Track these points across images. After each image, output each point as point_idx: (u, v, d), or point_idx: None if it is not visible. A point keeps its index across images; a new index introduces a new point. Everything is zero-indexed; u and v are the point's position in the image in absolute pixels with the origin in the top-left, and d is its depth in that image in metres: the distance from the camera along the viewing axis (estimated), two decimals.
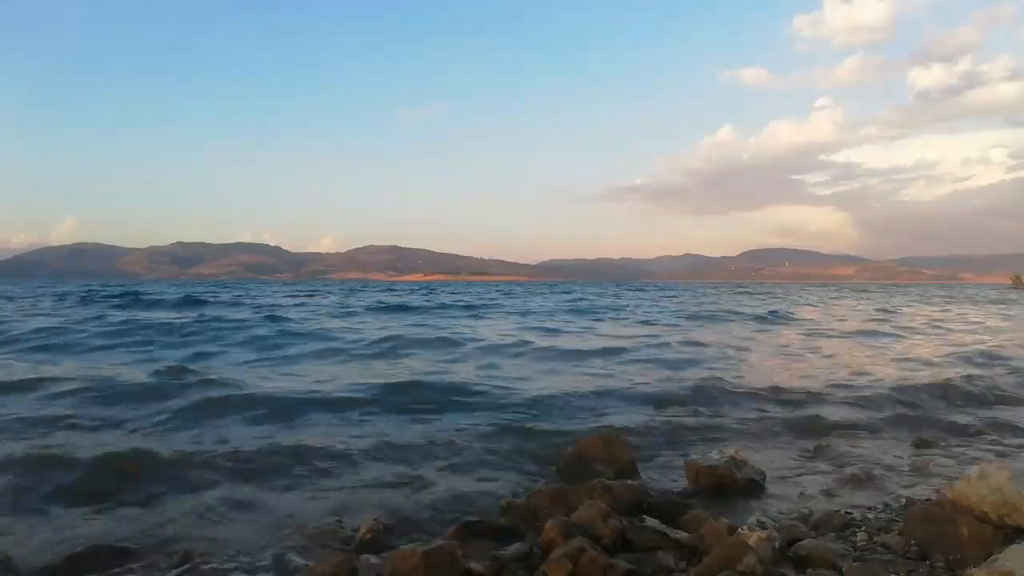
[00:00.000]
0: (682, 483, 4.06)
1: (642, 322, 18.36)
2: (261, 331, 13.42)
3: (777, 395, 6.86)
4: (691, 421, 5.72)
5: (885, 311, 24.38)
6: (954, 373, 8.37)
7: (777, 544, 2.85)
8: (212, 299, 28.26)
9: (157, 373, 7.55)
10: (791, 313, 22.35)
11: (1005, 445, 5.06)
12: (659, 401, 6.56)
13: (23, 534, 3.21)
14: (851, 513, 3.50)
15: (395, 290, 50.78)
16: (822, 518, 3.37)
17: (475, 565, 2.77)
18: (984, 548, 2.69)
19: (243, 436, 5.04)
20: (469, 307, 24.76)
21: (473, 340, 12.18)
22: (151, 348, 10.88)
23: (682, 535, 3.04)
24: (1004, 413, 6.32)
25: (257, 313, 19.23)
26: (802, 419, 5.84)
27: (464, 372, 8.46)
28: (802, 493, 3.92)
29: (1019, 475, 2.87)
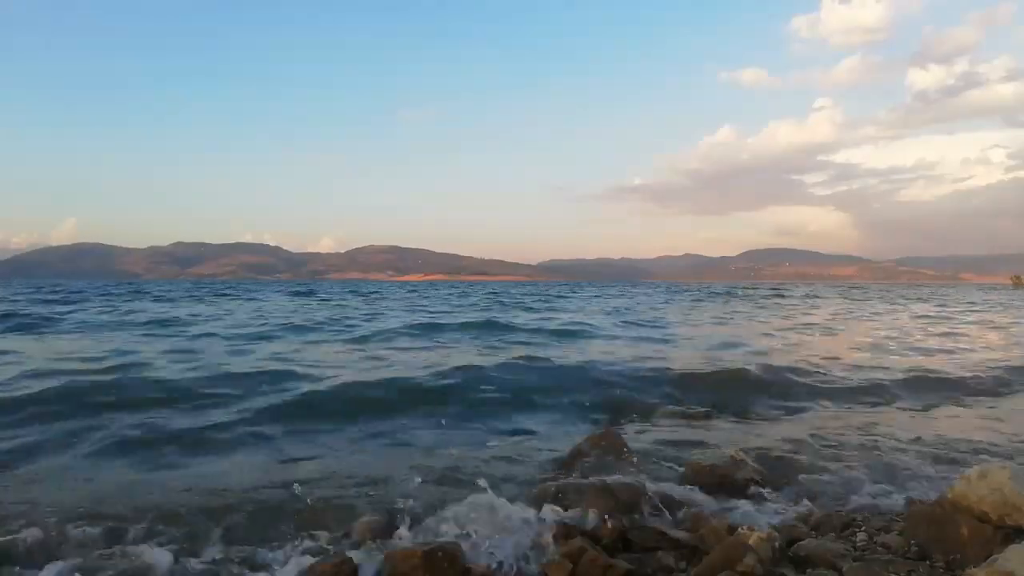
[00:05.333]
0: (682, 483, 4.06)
1: None
2: None
3: None
4: None
5: None
6: None
7: (777, 544, 2.85)
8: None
9: None
10: None
11: None
12: None
13: None
14: (851, 513, 3.50)
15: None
16: (822, 518, 3.37)
17: (475, 564, 2.77)
18: (984, 548, 2.69)
19: None
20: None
21: None
22: None
23: (682, 535, 3.04)
24: None
25: None
26: None
27: None
28: (803, 492, 3.92)
29: (1019, 475, 2.87)
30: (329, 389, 6.83)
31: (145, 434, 5.10)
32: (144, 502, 3.58)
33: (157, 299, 28.22)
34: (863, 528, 3.24)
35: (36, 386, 6.59)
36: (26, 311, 18.69)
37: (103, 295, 32.03)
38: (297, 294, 39.15)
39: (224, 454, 4.72)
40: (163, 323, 15.55)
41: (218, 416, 5.68)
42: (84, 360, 8.89)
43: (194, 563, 2.90)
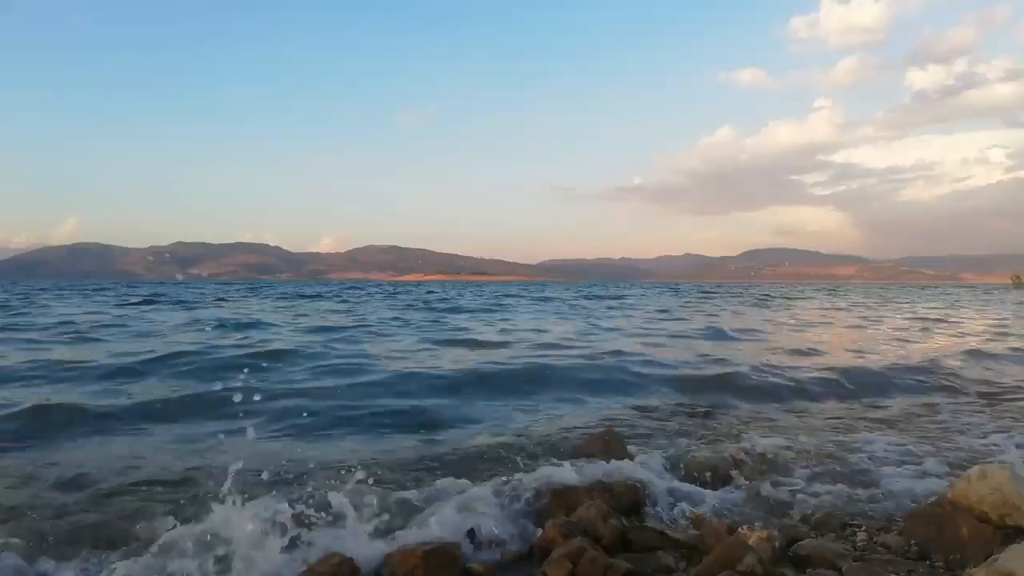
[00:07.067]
0: None
1: None
2: None
3: None
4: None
5: None
6: None
7: (777, 544, 2.85)
8: None
9: None
10: None
11: None
12: None
13: None
14: (852, 512, 3.49)
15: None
16: (822, 518, 3.37)
17: (475, 565, 2.78)
18: (984, 548, 2.70)
19: None
20: None
21: None
22: None
23: (682, 535, 3.04)
24: None
25: None
26: None
27: None
28: (803, 490, 3.91)
29: (1019, 475, 2.87)
30: None
31: None
32: None
33: None
34: (863, 528, 3.25)
35: None
36: None
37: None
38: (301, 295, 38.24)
39: None
40: None
41: None
42: None
43: None
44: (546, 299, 33.62)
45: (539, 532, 3.07)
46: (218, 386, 6.68)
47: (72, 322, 15.58)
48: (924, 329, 16.65)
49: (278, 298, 33.20)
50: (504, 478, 3.72)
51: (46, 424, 5.30)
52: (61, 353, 9.75)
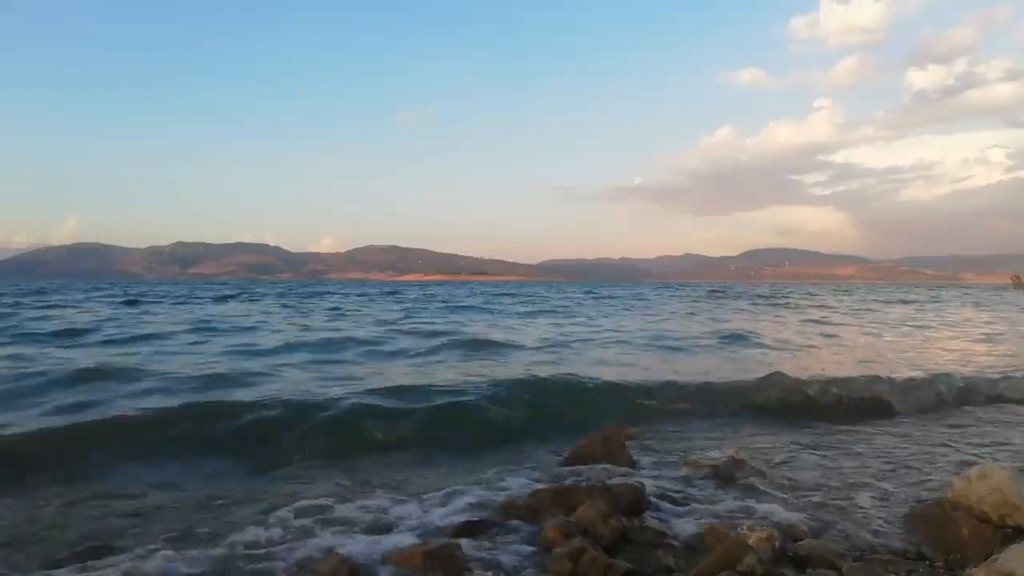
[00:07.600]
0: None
1: None
2: None
3: None
4: None
5: None
6: None
7: (777, 544, 2.85)
8: None
9: None
10: None
11: None
12: None
13: None
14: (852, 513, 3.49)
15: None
16: (822, 518, 3.36)
17: (476, 564, 2.77)
18: (984, 548, 2.70)
19: None
20: None
21: None
22: None
23: (682, 535, 3.04)
24: None
25: None
26: None
27: None
28: (803, 491, 3.91)
29: (1019, 475, 2.87)
30: None
31: None
32: None
33: None
34: (863, 528, 3.24)
35: None
36: None
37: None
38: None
39: None
40: None
41: None
42: None
43: None
44: (548, 299, 33.64)
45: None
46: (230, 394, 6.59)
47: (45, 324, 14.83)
48: (947, 329, 16.60)
49: (278, 296, 33.25)
50: (502, 479, 3.71)
51: None
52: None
